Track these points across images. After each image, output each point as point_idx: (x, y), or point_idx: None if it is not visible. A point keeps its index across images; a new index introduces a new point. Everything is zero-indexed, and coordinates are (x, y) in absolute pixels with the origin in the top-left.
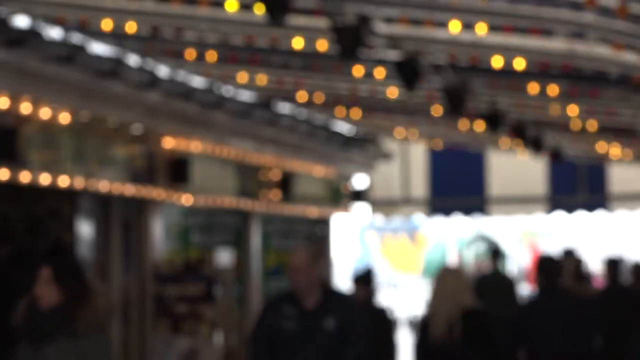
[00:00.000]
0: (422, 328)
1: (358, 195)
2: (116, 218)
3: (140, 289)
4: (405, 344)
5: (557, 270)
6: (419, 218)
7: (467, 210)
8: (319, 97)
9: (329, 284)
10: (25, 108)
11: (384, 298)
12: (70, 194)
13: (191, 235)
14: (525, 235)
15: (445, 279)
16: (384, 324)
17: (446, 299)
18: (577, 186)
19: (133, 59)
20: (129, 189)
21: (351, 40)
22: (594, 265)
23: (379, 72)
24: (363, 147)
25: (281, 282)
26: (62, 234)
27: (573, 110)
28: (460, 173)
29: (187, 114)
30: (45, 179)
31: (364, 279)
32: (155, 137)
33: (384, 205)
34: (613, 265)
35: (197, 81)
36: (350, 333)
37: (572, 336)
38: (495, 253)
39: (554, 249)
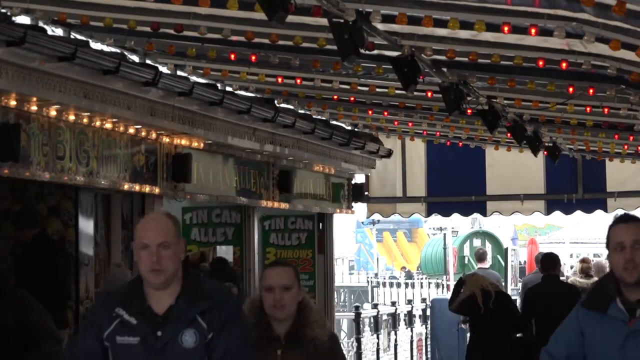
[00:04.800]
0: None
1: (357, 193)
2: (117, 215)
3: None
4: (404, 338)
5: (555, 264)
6: (418, 215)
7: (466, 208)
8: (319, 95)
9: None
10: (27, 105)
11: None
12: (71, 191)
13: (191, 231)
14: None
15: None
16: None
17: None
18: (576, 184)
19: (134, 57)
20: (130, 186)
21: (351, 38)
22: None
23: (378, 70)
24: (362, 145)
25: None
26: (64, 231)
27: (571, 107)
28: (458, 170)
29: (187, 112)
30: (46, 176)
31: None
32: (156, 134)
33: (382, 202)
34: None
35: (198, 79)
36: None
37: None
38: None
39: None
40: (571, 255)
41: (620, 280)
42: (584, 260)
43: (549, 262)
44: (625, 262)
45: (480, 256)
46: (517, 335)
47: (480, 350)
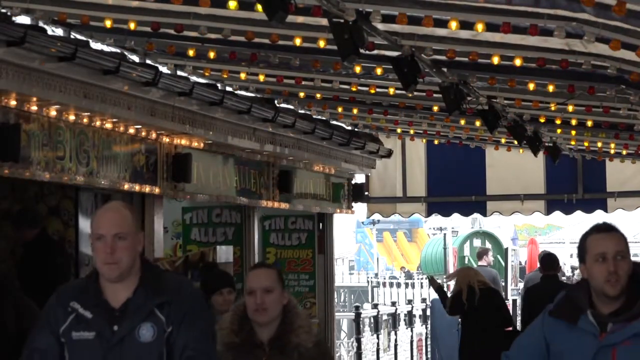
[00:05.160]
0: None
1: (357, 193)
2: None
3: None
4: (404, 338)
5: (554, 264)
6: (418, 215)
7: (466, 208)
8: (319, 95)
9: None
10: (27, 105)
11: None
12: (71, 191)
13: (191, 231)
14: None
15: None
16: None
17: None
18: (576, 184)
19: (134, 57)
20: (130, 186)
21: (351, 38)
22: None
23: (378, 70)
24: (362, 145)
25: None
26: (64, 231)
27: (571, 107)
28: (458, 170)
29: (187, 112)
30: (46, 176)
31: None
32: (156, 134)
33: (382, 202)
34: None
35: (198, 79)
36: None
37: None
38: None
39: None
40: (571, 255)
41: (600, 292)
42: None
43: (547, 262)
44: (609, 274)
45: (479, 254)
46: (508, 330)
47: (467, 346)
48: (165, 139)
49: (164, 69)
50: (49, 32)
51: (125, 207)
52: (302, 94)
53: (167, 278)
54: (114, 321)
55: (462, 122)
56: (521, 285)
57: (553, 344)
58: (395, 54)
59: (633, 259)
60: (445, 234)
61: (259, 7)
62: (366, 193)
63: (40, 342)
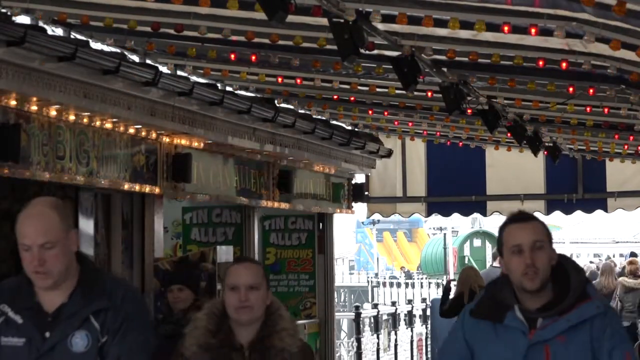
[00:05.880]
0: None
1: (357, 193)
2: (117, 215)
3: (142, 285)
4: (404, 338)
5: None
6: (418, 215)
7: (466, 208)
8: (319, 95)
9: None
10: (27, 105)
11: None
12: (71, 191)
13: (191, 231)
14: None
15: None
16: None
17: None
18: (576, 184)
19: (134, 57)
20: (130, 186)
21: (351, 38)
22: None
23: (378, 70)
24: (362, 145)
25: (280, 277)
26: None
27: (571, 107)
28: (458, 171)
29: (187, 112)
30: (46, 176)
31: None
32: (156, 134)
33: (382, 202)
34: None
35: (198, 79)
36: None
37: None
38: None
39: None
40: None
41: (520, 287)
42: (631, 262)
43: None
44: (526, 267)
45: (494, 255)
46: None
47: None
48: (165, 139)
49: (164, 69)
50: (49, 32)
51: (52, 207)
52: (302, 94)
53: (106, 281)
54: (45, 327)
55: (462, 122)
56: None
57: (477, 347)
58: (395, 54)
59: (633, 259)
60: (445, 234)
61: (259, 7)
62: (366, 193)
63: None
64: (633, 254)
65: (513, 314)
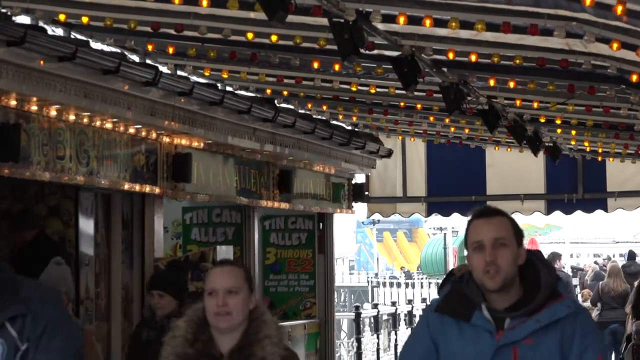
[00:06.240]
0: None
1: (357, 193)
2: (117, 215)
3: (142, 285)
4: (404, 338)
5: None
6: (418, 215)
7: (466, 208)
8: (319, 95)
9: None
10: (27, 105)
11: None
12: (71, 191)
13: (191, 231)
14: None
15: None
16: None
17: None
18: (576, 184)
19: (134, 57)
20: (130, 186)
21: (351, 37)
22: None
23: (378, 70)
24: (362, 145)
25: (280, 277)
26: (64, 231)
27: (571, 107)
28: (458, 170)
29: (188, 112)
30: (46, 176)
31: None
32: (157, 134)
33: (383, 202)
34: None
35: (198, 79)
36: None
37: None
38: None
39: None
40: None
41: (481, 285)
42: None
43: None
44: (486, 264)
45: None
46: None
47: None
48: (165, 139)
49: (164, 69)
50: (49, 32)
51: None
52: (302, 94)
53: (23, 285)
54: None
55: (462, 122)
56: None
57: (443, 345)
58: (395, 53)
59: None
60: (445, 234)
61: (259, 7)
62: (366, 193)
63: None
64: (631, 253)
65: (480, 313)
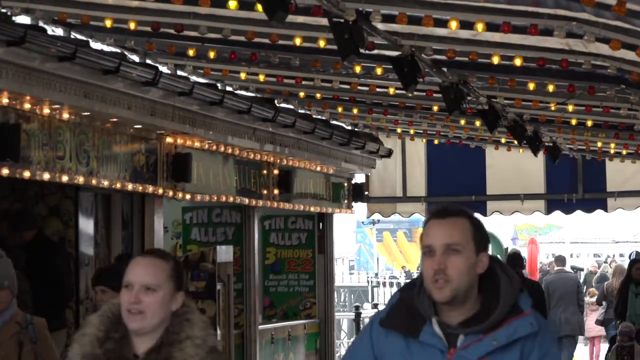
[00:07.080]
0: None
1: (357, 193)
2: (117, 215)
3: None
4: None
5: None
6: (418, 215)
7: (465, 208)
8: (319, 95)
9: None
10: (27, 105)
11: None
12: (71, 191)
13: (191, 231)
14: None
15: None
16: None
17: None
18: (576, 184)
19: (134, 57)
20: (130, 186)
21: (351, 37)
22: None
23: (378, 70)
24: (362, 145)
25: (280, 277)
26: (64, 231)
27: (571, 107)
28: (458, 170)
29: (188, 111)
30: (46, 176)
31: None
32: (157, 134)
33: (382, 202)
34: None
35: (198, 79)
36: None
37: None
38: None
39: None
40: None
41: (430, 295)
42: None
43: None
44: (434, 272)
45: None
46: None
47: None
48: (166, 139)
49: (164, 69)
50: (49, 32)
51: None
52: (302, 94)
53: None
54: None
55: (462, 122)
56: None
57: None
58: (395, 53)
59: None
60: None
61: (259, 7)
62: (366, 193)
63: None
64: (639, 254)
65: (430, 329)
